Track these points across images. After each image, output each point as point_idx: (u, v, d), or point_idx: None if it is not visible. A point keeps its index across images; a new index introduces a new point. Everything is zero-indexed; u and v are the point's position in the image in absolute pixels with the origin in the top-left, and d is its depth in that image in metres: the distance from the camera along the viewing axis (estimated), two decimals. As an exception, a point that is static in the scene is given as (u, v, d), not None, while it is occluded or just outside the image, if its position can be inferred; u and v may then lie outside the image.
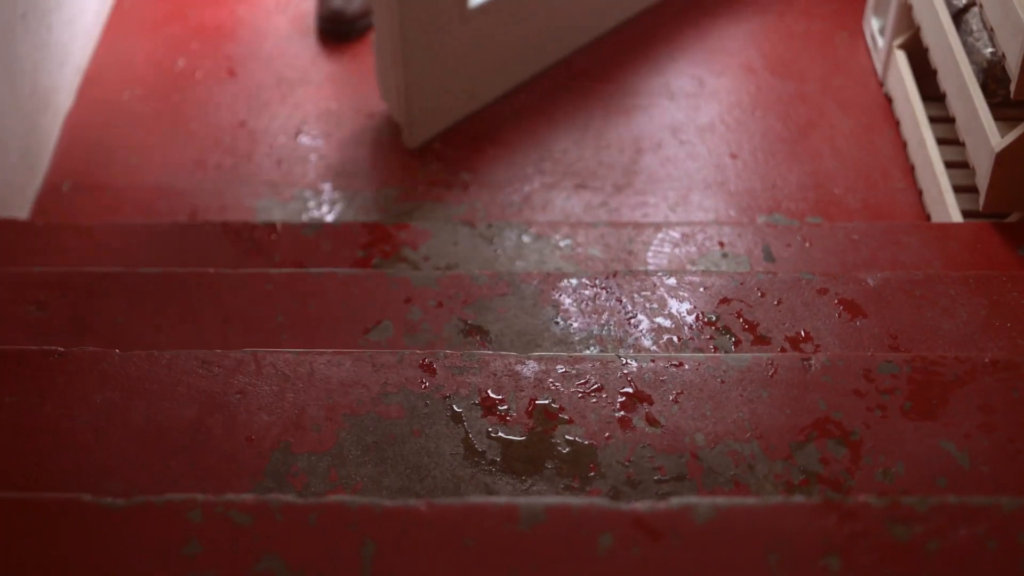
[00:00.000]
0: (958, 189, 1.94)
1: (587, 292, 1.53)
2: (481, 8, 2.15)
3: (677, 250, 1.78)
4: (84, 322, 1.51)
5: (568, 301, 1.51)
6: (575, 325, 1.48)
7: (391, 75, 2.15)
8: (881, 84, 2.36)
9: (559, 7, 2.34)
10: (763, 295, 1.51)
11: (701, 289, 1.52)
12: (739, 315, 1.49)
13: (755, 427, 1.23)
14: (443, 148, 2.24)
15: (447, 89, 2.21)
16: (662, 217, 2.11)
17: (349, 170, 2.21)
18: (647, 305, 1.51)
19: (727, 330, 1.47)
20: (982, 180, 1.80)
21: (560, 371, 1.29)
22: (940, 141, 2.04)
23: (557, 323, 1.49)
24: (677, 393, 1.27)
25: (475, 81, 2.26)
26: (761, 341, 1.46)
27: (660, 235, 1.82)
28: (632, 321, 1.49)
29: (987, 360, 1.29)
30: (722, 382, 1.28)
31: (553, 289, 1.53)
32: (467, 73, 2.22)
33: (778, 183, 2.17)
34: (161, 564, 1.00)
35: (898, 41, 2.24)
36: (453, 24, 2.12)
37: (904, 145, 2.21)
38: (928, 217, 2.04)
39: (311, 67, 2.45)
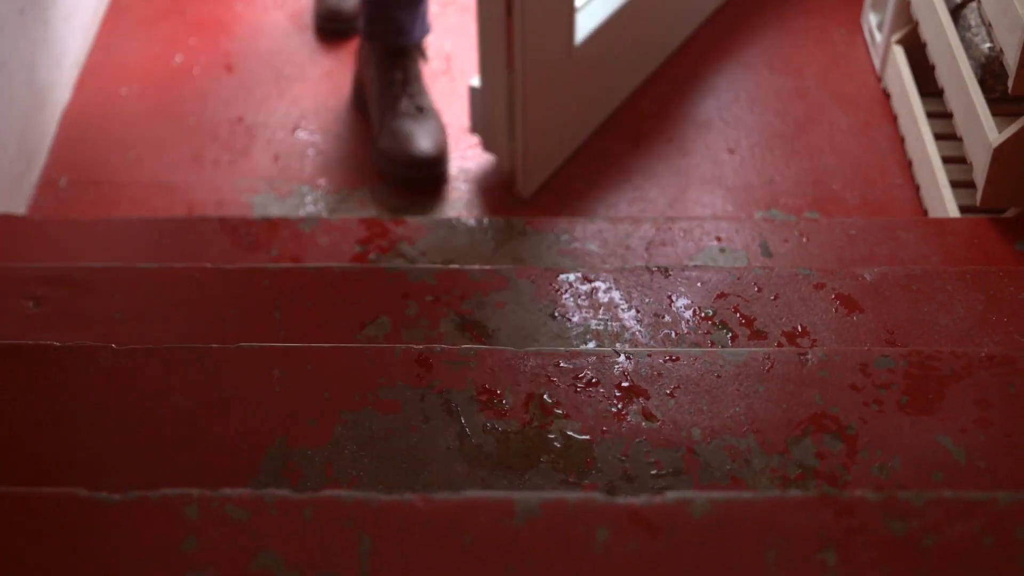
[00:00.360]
0: (955, 184, 1.94)
1: (584, 287, 1.52)
2: (585, 43, 2.08)
3: (674, 245, 1.78)
4: (81, 317, 1.51)
5: (565, 296, 1.51)
6: (572, 320, 1.48)
7: (502, 126, 2.05)
8: (879, 80, 2.36)
9: (649, 27, 2.31)
10: (760, 290, 1.51)
11: (698, 284, 1.52)
12: (736, 310, 1.49)
13: (751, 422, 1.23)
14: (441, 143, 2.24)
15: (556, 130, 2.13)
16: (659, 212, 2.11)
17: (346, 165, 2.21)
18: (644, 300, 1.51)
19: (724, 325, 1.47)
20: (979, 175, 1.80)
21: (556, 365, 1.29)
22: (938, 136, 2.04)
23: (554, 318, 1.49)
24: (674, 388, 1.27)
25: (578, 116, 2.19)
26: (758, 336, 1.46)
27: (657, 230, 1.82)
28: (629, 315, 1.49)
29: (984, 355, 1.29)
30: (719, 377, 1.27)
31: (550, 284, 1.53)
32: (571, 110, 2.16)
33: (775, 178, 2.17)
34: (159, 561, 1.00)
35: (896, 36, 2.24)
36: (563, 63, 2.04)
37: (902, 140, 2.20)
38: (925, 212, 2.04)
39: (308, 63, 2.45)
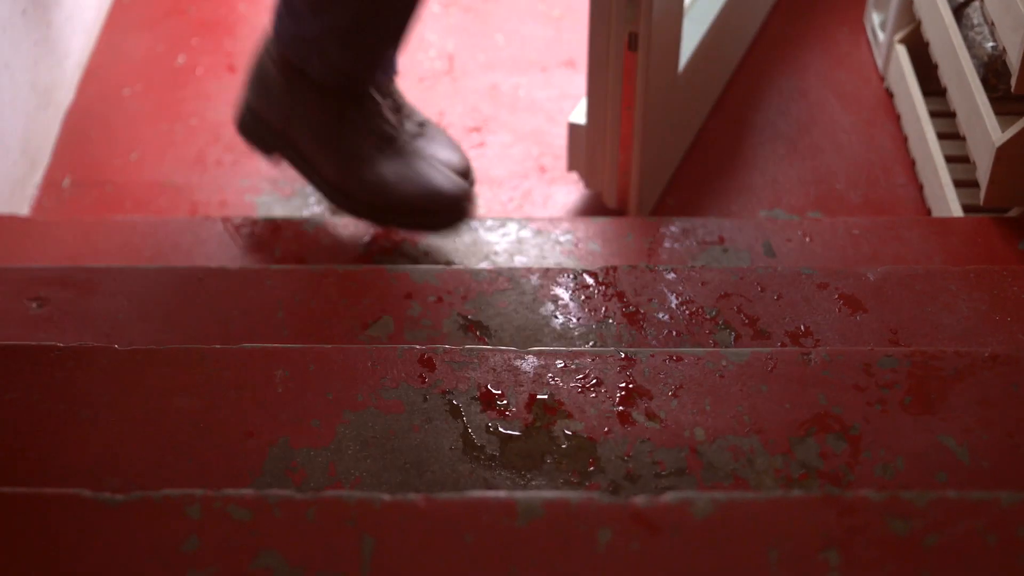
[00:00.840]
0: (959, 184, 1.94)
1: (587, 287, 1.52)
2: (685, 69, 2.03)
3: (677, 245, 1.78)
4: (84, 318, 1.51)
5: (568, 296, 1.51)
6: (575, 320, 1.48)
7: (613, 164, 1.98)
8: (882, 79, 2.35)
9: (729, 43, 2.29)
10: (763, 290, 1.51)
11: (701, 284, 1.52)
12: (739, 310, 1.49)
13: (754, 421, 1.23)
14: (443, 143, 2.24)
15: (661, 161, 2.08)
16: (662, 212, 2.11)
17: (349, 166, 2.21)
18: (647, 299, 1.51)
19: (727, 325, 1.47)
20: (983, 175, 1.79)
21: (559, 366, 1.29)
22: (941, 136, 2.04)
23: (557, 318, 1.49)
24: (676, 387, 1.26)
25: (675, 144, 2.16)
26: (761, 336, 1.46)
27: (660, 230, 1.82)
28: (632, 316, 1.49)
29: (987, 355, 1.29)
30: (721, 376, 1.27)
31: (553, 284, 1.53)
32: (672, 138, 2.11)
33: (779, 178, 2.17)
34: (161, 561, 1.00)
35: (899, 36, 2.24)
36: (669, 93, 1.99)
37: (905, 140, 2.20)
38: (929, 212, 2.04)
39: (311, 63, 2.45)
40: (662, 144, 2.06)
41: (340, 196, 1.76)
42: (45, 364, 1.28)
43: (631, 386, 1.27)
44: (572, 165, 2.06)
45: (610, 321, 1.48)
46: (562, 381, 1.27)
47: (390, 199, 1.73)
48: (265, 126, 1.81)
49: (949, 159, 1.99)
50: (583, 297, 1.51)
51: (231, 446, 1.21)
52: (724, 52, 2.30)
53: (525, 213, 2.10)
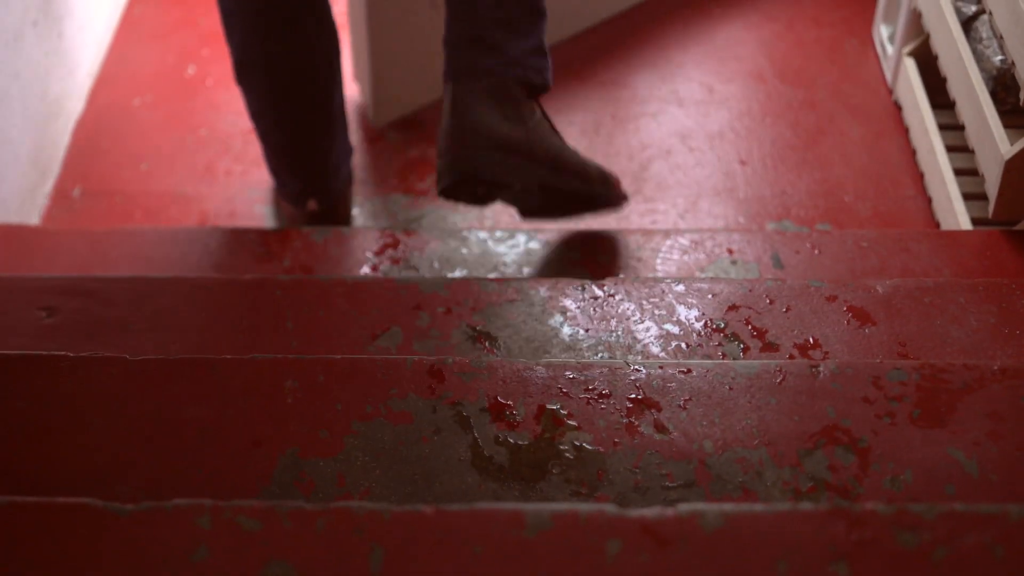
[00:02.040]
0: (967, 197, 1.94)
1: (596, 298, 1.53)
2: None
3: (686, 257, 1.78)
4: (94, 328, 1.51)
5: (576, 308, 1.52)
6: (583, 331, 1.48)
7: (362, 55, 2.14)
8: (891, 91, 2.36)
9: None
10: (772, 302, 1.51)
11: (710, 296, 1.52)
12: (748, 322, 1.49)
13: (763, 434, 1.23)
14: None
15: (416, 73, 2.17)
16: (671, 224, 2.11)
17: (358, 176, 2.21)
18: (656, 312, 1.51)
19: (736, 337, 1.47)
20: (991, 188, 1.79)
21: (568, 377, 1.29)
22: (949, 148, 2.04)
23: (565, 329, 1.49)
24: (685, 400, 1.26)
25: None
26: (770, 348, 1.46)
27: (669, 242, 1.82)
28: (641, 328, 1.49)
29: (996, 368, 1.29)
30: (730, 389, 1.27)
31: (562, 295, 1.53)
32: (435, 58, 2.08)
33: (787, 190, 2.17)
34: (170, 571, 1.00)
35: (908, 49, 2.24)
36: (423, 8, 2.09)
37: (913, 152, 2.20)
38: (937, 224, 2.03)
39: (321, 74, 2.45)
40: (409, 57, 2.10)
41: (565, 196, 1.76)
42: (55, 373, 1.29)
43: (640, 398, 1.27)
44: (352, 61, 2.21)
45: (619, 332, 1.48)
46: (571, 393, 1.27)
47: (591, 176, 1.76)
48: (506, 156, 1.70)
49: (958, 172, 1.99)
50: (592, 308, 1.51)
51: (240, 456, 1.21)
52: None
53: (534, 224, 2.10)
